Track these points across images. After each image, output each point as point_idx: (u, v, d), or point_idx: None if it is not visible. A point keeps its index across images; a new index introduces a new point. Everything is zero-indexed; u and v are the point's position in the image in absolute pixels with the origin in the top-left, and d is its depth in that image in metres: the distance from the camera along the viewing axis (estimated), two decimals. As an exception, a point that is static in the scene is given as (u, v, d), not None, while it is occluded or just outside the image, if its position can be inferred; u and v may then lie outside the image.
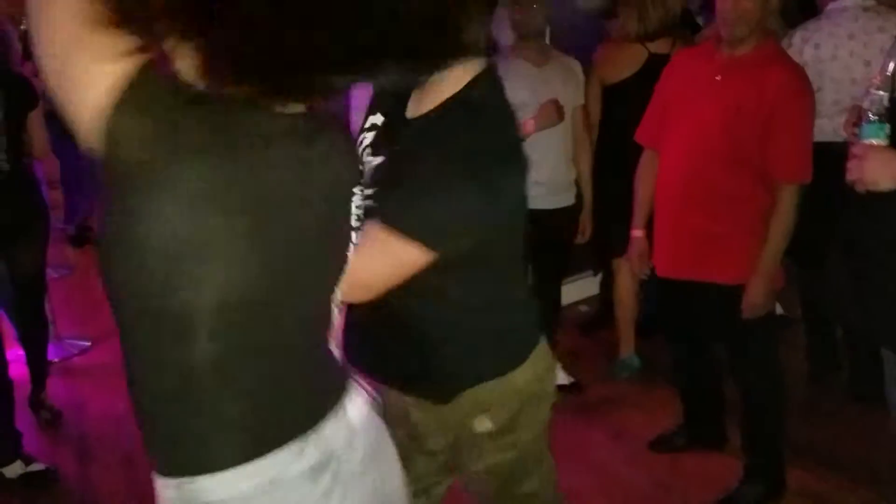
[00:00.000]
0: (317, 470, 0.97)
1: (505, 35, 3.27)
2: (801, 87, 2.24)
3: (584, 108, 3.19)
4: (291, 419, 0.97)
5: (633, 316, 3.43)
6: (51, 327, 3.97)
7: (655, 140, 2.52)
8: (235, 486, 0.94)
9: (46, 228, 3.28)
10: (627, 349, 3.49)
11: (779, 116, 2.18)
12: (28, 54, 3.61)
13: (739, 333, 2.44)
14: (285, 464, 0.95)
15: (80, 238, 6.05)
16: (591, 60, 3.21)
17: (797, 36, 2.95)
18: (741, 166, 2.27)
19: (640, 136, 2.63)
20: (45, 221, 3.26)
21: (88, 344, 4.13)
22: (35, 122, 3.02)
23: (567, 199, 3.12)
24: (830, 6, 2.94)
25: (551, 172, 3.02)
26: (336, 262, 1.02)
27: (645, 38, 3.00)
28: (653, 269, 2.61)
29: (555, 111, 2.84)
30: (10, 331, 3.27)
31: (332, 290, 1.03)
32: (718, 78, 2.28)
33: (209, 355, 0.89)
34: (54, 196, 6.59)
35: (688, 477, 2.76)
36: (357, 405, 1.06)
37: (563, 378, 3.40)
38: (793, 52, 2.83)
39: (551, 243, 3.17)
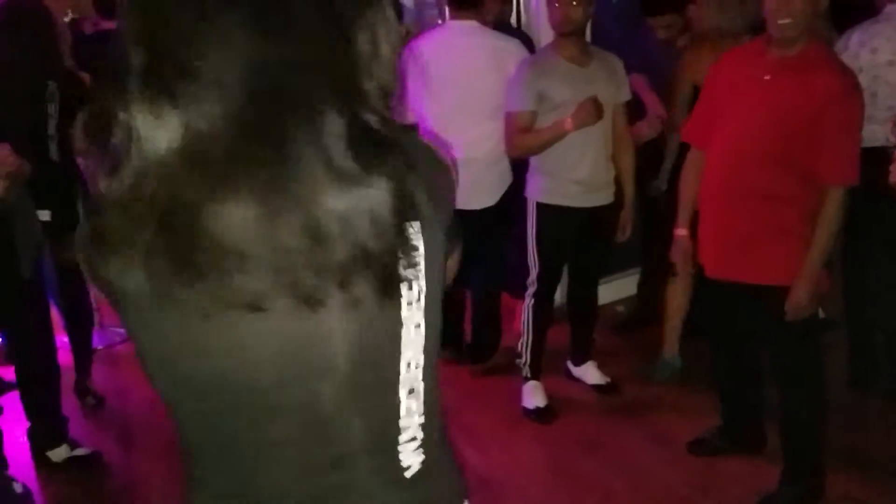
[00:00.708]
0: None
1: (547, 33, 3.29)
2: (850, 90, 2.20)
3: (673, 108, 3.18)
4: None
5: (681, 315, 3.39)
6: (95, 315, 4.08)
7: (702, 139, 2.50)
8: None
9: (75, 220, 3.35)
10: (671, 349, 3.45)
11: (827, 119, 2.16)
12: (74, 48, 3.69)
13: (782, 336, 2.42)
14: None
15: None
16: (678, 62, 3.18)
17: (854, 39, 2.90)
18: (787, 167, 2.24)
19: (686, 134, 2.61)
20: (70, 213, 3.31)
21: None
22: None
23: (606, 198, 3.11)
24: (889, 8, 2.88)
25: (590, 171, 3.01)
26: None
27: (736, 36, 2.93)
28: (697, 269, 2.60)
29: (593, 109, 2.84)
30: (58, 319, 3.35)
31: None
32: (767, 78, 2.26)
33: None
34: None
35: (725, 479, 2.74)
36: None
37: (598, 378, 3.40)
38: (848, 56, 2.79)
39: (589, 241, 3.18)
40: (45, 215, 2.75)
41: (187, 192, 0.73)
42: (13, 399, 3.17)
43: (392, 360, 0.86)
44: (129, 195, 0.74)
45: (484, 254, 3.36)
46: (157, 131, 0.73)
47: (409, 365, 0.87)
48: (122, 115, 0.74)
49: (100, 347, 4.00)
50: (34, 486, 2.88)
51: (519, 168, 3.25)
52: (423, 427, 0.90)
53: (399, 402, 0.88)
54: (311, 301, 0.77)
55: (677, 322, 3.42)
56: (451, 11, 3.22)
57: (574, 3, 2.88)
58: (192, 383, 0.84)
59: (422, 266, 0.84)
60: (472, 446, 2.94)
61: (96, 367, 3.69)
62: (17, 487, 2.73)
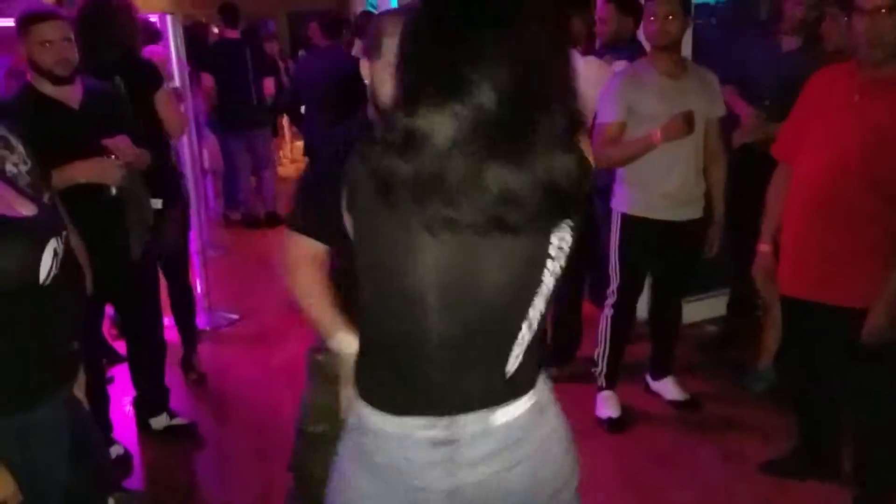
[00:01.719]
0: (436, 444, 1.26)
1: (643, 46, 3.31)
2: None
3: None
4: (446, 399, 1.26)
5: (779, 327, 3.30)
6: (204, 300, 4.39)
7: (791, 156, 2.47)
8: (386, 424, 1.28)
9: (184, 209, 3.58)
10: (767, 360, 3.37)
11: None
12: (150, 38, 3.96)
13: (860, 360, 2.35)
14: (424, 428, 1.26)
15: (254, 222, 6.51)
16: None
17: None
18: (874, 188, 2.19)
19: (775, 150, 2.58)
20: (182, 202, 3.55)
21: (237, 317, 4.51)
22: (161, 103, 3.20)
23: (694, 213, 3.08)
24: None
25: (679, 184, 3.00)
26: None
27: None
28: None
29: (684, 123, 2.84)
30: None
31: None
32: (856, 98, 2.22)
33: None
34: (217, 185, 7.19)
35: (793, 502, 2.68)
36: (507, 413, 1.28)
37: (677, 393, 3.37)
38: None
39: (674, 256, 3.17)
40: (157, 203, 2.98)
41: (458, 167, 1.08)
42: (122, 371, 3.48)
43: (527, 300, 1.21)
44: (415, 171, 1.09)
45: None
46: (440, 127, 1.07)
47: (534, 306, 1.23)
48: (405, 121, 1.09)
49: (207, 329, 4.30)
50: (134, 449, 3.15)
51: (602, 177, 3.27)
52: (527, 349, 1.26)
53: (520, 330, 1.24)
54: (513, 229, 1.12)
55: (773, 336, 3.32)
56: None
57: (670, 17, 2.89)
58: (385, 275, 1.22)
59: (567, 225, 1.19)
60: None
61: (202, 346, 3.98)
62: (118, 449, 3.01)
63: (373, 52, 1.62)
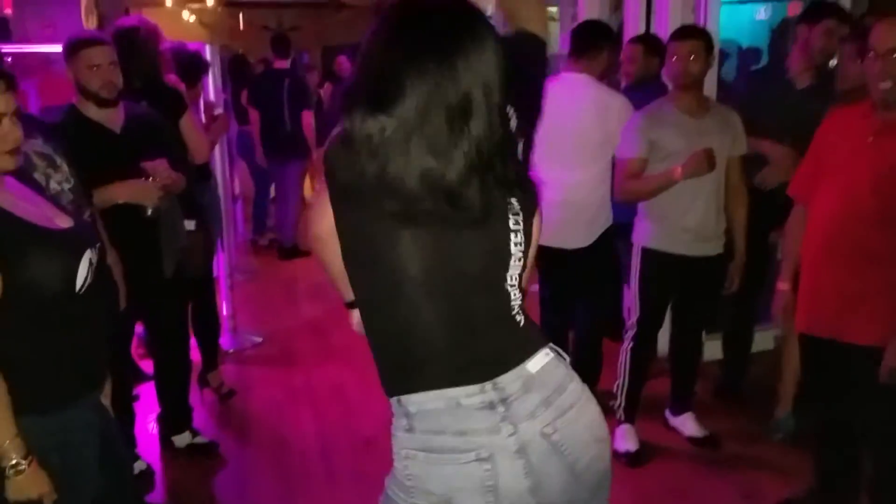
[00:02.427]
0: (490, 406, 1.33)
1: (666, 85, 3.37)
2: None
3: None
4: (479, 365, 1.34)
5: (796, 374, 3.28)
6: (230, 321, 4.47)
7: (807, 195, 2.51)
8: (432, 402, 1.33)
9: (211, 234, 3.66)
10: (785, 408, 3.36)
11: None
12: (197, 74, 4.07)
13: (877, 399, 2.35)
14: (470, 395, 1.33)
15: (286, 252, 6.55)
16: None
17: None
18: (889, 228, 2.22)
19: (792, 190, 2.62)
20: (209, 228, 3.60)
21: (261, 339, 4.58)
22: (186, 127, 3.30)
23: (714, 248, 3.12)
24: None
25: (699, 220, 3.04)
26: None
27: None
28: None
29: (705, 160, 2.88)
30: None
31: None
32: (870, 140, 2.26)
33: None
34: (247, 210, 7.32)
35: (813, 544, 2.67)
36: (537, 363, 1.39)
37: (696, 430, 3.37)
38: None
39: (695, 291, 3.19)
40: (190, 225, 3.07)
41: (399, 158, 1.22)
42: (147, 389, 3.55)
43: (503, 268, 1.37)
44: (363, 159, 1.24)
45: (586, 293, 3.45)
46: (382, 125, 1.22)
47: (511, 272, 1.38)
48: (363, 123, 1.24)
49: (231, 350, 4.38)
50: (157, 466, 3.21)
51: (623, 212, 3.33)
52: (521, 305, 1.41)
53: (508, 291, 1.38)
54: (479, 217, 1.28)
55: (791, 380, 3.33)
56: (568, 62, 3.40)
57: (692, 57, 2.96)
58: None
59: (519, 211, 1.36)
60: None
61: (226, 366, 4.05)
62: (142, 465, 3.07)
63: None
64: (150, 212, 2.76)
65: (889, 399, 2.32)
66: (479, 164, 1.25)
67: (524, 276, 1.43)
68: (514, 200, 1.35)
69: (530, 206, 1.39)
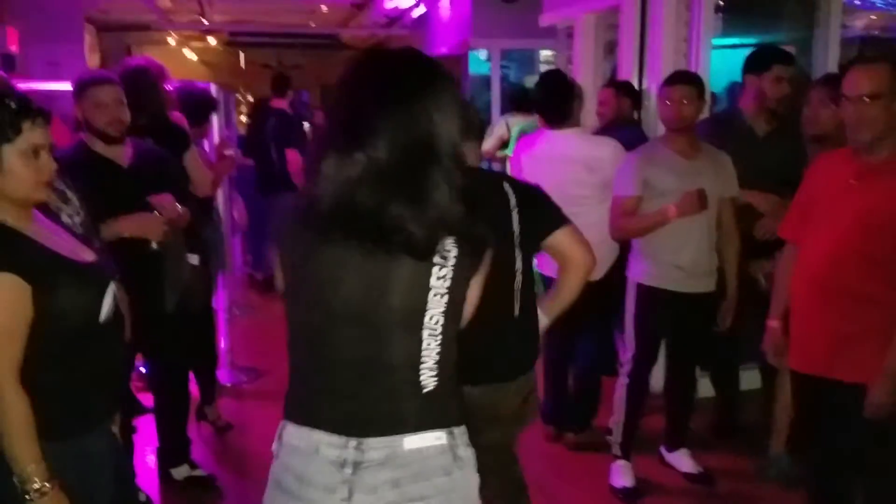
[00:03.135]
0: (341, 465, 1.36)
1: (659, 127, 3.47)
2: None
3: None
4: (354, 419, 1.37)
5: (788, 412, 3.30)
6: (227, 356, 4.50)
7: (796, 235, 2.58)
8: (296, 439, 1.44)
9: (217, 263, 3.72)
10: (779, 446, 3.38)
11: None
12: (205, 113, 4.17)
13: (869, 436, 2.40)
14: (330, 445, 1.38)
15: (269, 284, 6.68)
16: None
17: None
18: (874, 269, 2.28)
19: (782, 231, 2.69)
20: (209, 262, 3.61)
21: (259, 373, 4.60)
22: (190, 162, 3.40)
23: (706, 286, 3.18)
24: None
25: (691, 258, 3.12)
26: None
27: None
28: None
29: (697, 200, 2.96)
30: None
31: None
32: (853, 182, 2.33)
33: None
34: (245, 245, 7.36)
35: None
36: (416, 442, 1.37)
37: (691, 466, 3.40)
38: None
39: (688, 327, 3.25)
40: (194, 259, 3.12)
41: (366, 197, 1.30)
42: (145, 422, 3.56)
43: (421, 311, 1.35)
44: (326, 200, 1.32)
45: (589, 328, 3.50)
46: (347, 168, 1.31)
47: (431, 318, 1.36)
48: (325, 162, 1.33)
49: (228, 384, 4.40)
50: (156, 498, 3.21)
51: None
52: (438, 363, 1.38)
53: (422, 339, 1.36)
54: (409, 250, 1.32)
55: (784, 418, 3.36)
56: (542, 122, 3.53)
57: (685, 101, 3.06)
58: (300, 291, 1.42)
59: (452, 257, 1.35)
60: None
61: (224, 400, 4.07)
62: (141, 497, 3.07)
63: None
64: (155, 245, 2.82)
65: (880, 436, 2.37)
66: (420, 199, 1.31)
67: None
68: (449, 241, 1.35)
69: (473, 250, 1.40)
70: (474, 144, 2.17)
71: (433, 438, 1.37)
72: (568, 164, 3.38)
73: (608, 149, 3.43)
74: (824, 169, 2.51)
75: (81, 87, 2.82)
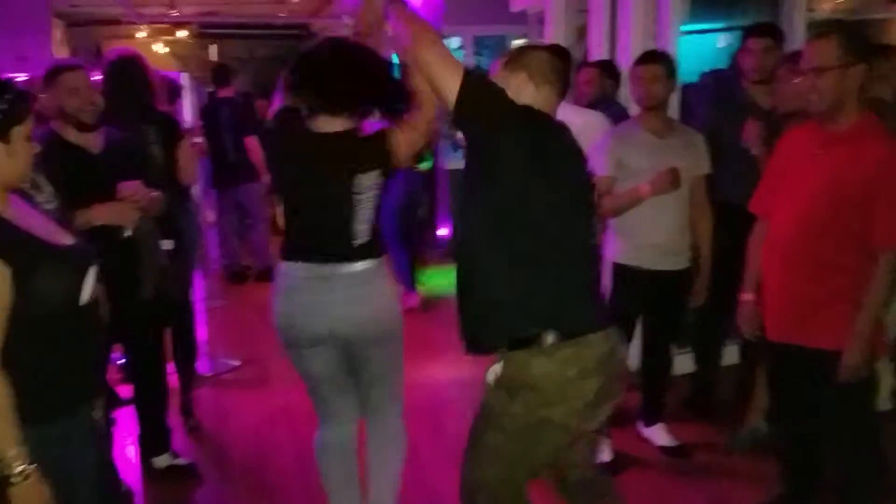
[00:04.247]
0: (317, 279, 2.46)
1: (632, 107, 3.51)
2: None
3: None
4: (317, 257, 2.47)
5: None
6: (207, 346, 4.49)
7: (767, 210, 2.63)
8: (288, 267, 2.55)
9: (195, 253, 3.74)
10: (758, 416, 3.43)
11: (877, 187, 2.28)
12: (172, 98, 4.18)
13: (841, 401, 2.46)
14: (301, 270, 2.50)
15: (237, 276, 6.70)
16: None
17: None
18: (841, 236, 2.35)
19: (752, 206, 2.74)
20: (194, 247, 3.73)
21: (238, 363, 4.60)
22: (183, 152, 3.45)
23: (680, 263, 3.23)
24: None
25: (665, 236, 3.16)
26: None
27: None
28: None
29: (670, 178, 3.01)
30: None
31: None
32: (818, 152, 2.40)
33: None
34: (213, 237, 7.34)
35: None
36: (356, 266, 2.46)
37: (667, 440, 3.45)
38: None
39: (662, 304, 3.30)
40: (168, 244, 3.12)
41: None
42: (124, 414, 3.56)
43: (350, 209, 2.40)
44: None
45: None
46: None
47: (357, 211, 2.40)
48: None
49: (208, 374, 4.40)
50: (137, 488, 3.21)
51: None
52: (366, 237, 2.44)
53: (353, 224, 2.41)
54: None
55: (763, 389, 3.41)
56: None
57: (655, 81, 3.10)
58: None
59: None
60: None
61: (204, 391, 4.08)
62: (122, 488, 3.06)
63: None
64: (128, 233, 2.80)
65: (852, 401, 2.43)
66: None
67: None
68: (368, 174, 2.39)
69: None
70: None
71: (366, 264, 2.43)
72: None
73: (595, 117, 3.48)
74: (791, 142, 2.56)
75: (54, 74, 2.81)
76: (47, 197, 2.39)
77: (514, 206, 1.93)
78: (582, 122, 3.39)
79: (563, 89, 2.24)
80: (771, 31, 3.57)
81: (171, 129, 3.43)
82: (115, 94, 3.17)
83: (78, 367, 1.73)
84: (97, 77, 3.14)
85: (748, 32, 3.60)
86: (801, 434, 2.73)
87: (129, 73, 3.29)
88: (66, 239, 1.76)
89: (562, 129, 2.08)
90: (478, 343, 2.07)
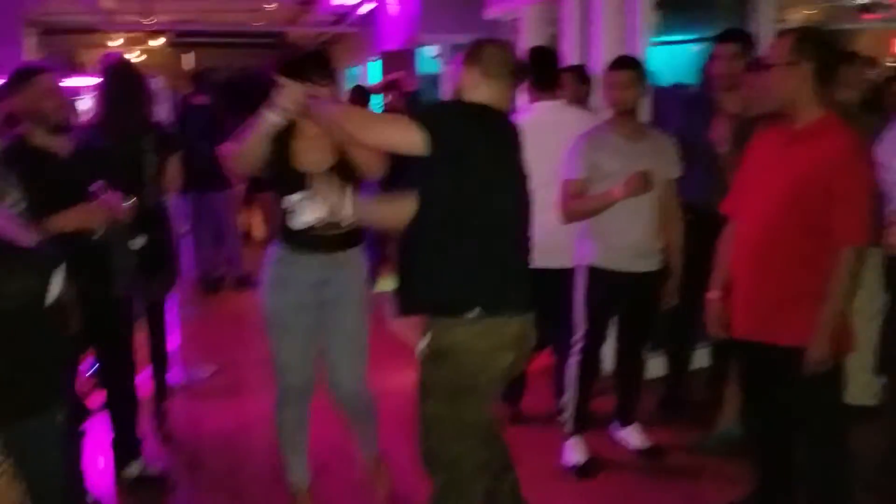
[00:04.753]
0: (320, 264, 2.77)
1: (604, 111, 3.54)
2: (858, 153, 2.37)
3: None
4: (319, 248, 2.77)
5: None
6: (180, 354, 4.45)
7: (737, 211, 2.66)
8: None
9: (176, 259, 3.73)
10: (727, 419, 3.46)
11: (835, 182, 2.32)
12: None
13: (810, 397, 2.49)
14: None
15: (211, 286, 6.64)
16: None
17: None
18: (806, 233, 2.39)
19: (724, 207, 2.77)
20: (174, 253, 3.72)
21: (211, 372, 4.56)
22: (173, 165, 3.47)
23: (650, 265, 3.26)
24: None
25: (637, 238, 3.19)
26: None
27: None
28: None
29: (642, 181, 3.03)
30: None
31: None
32: (780, 152, 2.46)
33: None
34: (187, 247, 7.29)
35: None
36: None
37: (641, 441, 3.47)
38: None
39: (636, 306, 3.33)
40: (137, 243, 3.08)
41: None
42: (92, 425, 3.50)
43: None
44: None
45: (563, 314, 3.44)
46: None
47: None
48: None
49: (181, 382, 4.35)
50: (106, 498, 3.16)
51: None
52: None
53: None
54: None
55: (735, 391, 3.42)
56: (534, 93, 3.57)
57: (626, 87, 3.14)
58: None
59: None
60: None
61: (177, 399, 4.04)
62: (89, 499, 3.02)
63: None
64: (97, 235, 2.78)
65: (820, 397, 2.47)
66: None
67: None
68: None
69: None
70: None
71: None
72: (561, 128, 3.38)
73: (595, 117, 3.56)
74: (758, 144, 2.62)
75: (27, 76, 2.80)
76: (13, 201, 2.37)
77: (446, 196, 2.21)
78: (574, 121, 3.47)
79: (516, 81, 2.43)
80: (738, 37, 3.61)
81: (167, 140, 3.48)
82: (116, 100, 3.22)
83: (43, 368, 1.71)
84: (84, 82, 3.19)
85: (716, 39, 3.65)
86: (771, 432, 2.75)
87: (129, 79, 3.30)
88: (32, 239, 1.74)
89: (500, 126, 2.35)
90: (407, 305, 2.33)
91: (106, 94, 3.20)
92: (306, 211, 2.64)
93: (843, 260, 2.34)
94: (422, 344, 2.27)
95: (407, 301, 2.32)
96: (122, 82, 3.19)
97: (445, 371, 2.23)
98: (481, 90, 2.29)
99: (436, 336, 2.24)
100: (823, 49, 2.40)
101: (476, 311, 2.20)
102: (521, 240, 2.37)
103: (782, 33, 2.47)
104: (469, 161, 2.19)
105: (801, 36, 2.39)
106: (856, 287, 2.38)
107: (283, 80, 2.47)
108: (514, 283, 2.31)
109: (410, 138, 2.15)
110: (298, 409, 2.92)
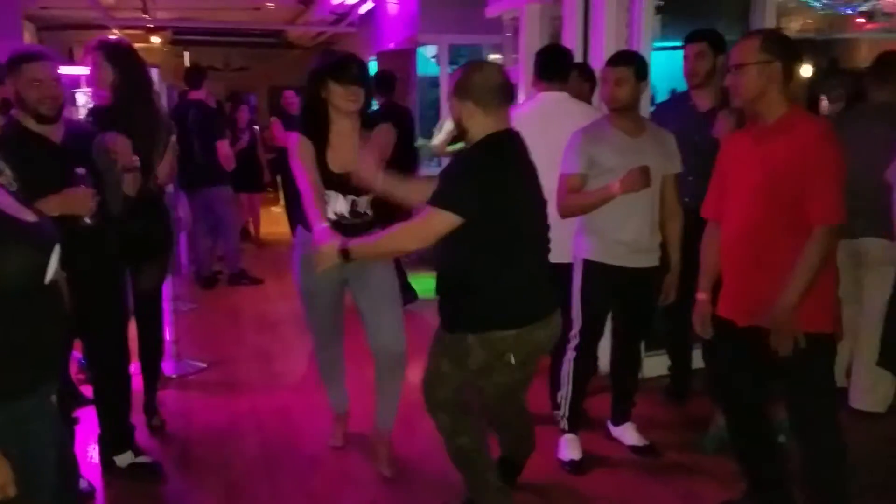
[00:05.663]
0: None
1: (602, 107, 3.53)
2: (827, 137, 2.39)
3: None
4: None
5: None
6: (173, 347, 4.43)
7: (717, 213, 2.68)
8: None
9: (170, 250, 3.71)
10: (721, 419, 3.43)
11: (811, 165, 2.34)
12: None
13: (798, 387, 2.50)
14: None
15: (208, 280, 6.65)
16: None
17: None
18: (782, 224, 2.41)
19: (703, 211, 2.77)
20: (170, 244, 3.71)
21: (204, 366, 4.54)
22: (169, 155, 3.48)
23: (649, 261, 3.24)
24: None
25: (635, 234, 3.17)
26: None
27: None
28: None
29: (640, 177, 3.01)
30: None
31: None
32: (754, 147, 2.49)
33: None
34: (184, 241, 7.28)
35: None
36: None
37: (636, 439, 3.45)
38: None
39: (632, 302, 3.31)
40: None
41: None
42: (87, 413, 3.48)
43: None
44: None
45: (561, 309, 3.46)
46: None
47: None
48: None
49: (174, 376, 4.33)
50: (98, 485, 3.14)
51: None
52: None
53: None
54: None
55: None
56: (540, 84, 3.59)
57: (622, 82, 3.13)
58: None
59: None
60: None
61: (169, 391, 4.01)
62: (83, 483, 2.99)
63: None
64: (87, 220, 2.74)
65: (809, 383, 2.47)
66: None
67: None
68: None
69: None
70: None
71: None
72: (566, 119, 3.39)
73: (593, 112, 3.56)
74: (731, 145, 2.67)
75: (16, 63, 2.76)
76: (8, 181, 2.34)
77: (490, 226, 2.43)
78: (578, 112, 3.50)
79: (509, 100, 2.57)
80: (705, 37, 3.62)
81: (167, 134, 3.47)
82: (130, 84, 3.27)
83: (39, 346, 1.68)
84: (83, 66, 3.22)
85: (684, 39, 3.66)
86: (756, 429, 2.73)
87: (129, 59, 3.32)
88: (30, 216, 1.72)
89: (510, 148, 2.53)
90: (462, 324, 2.54)
91: (120, 78, 3.20)
92: (336, 204, 3.02)
93: (815, 237, 2.36)
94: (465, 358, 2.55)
95: (462, 320, 2.53)
96: (134, 68, 3.17)
97: (482, 360, 2.54)
98: (478, 119, 2.48)
99: (485, 345, 2.51)
100: (789, 48, 2.48)
101: (528, 323, 2.51)
102: (546, 244, 2.66)
103: (746, 35, 2.53)
104: (501, 199, 2.42)
105: (768, 37, 2.49)
106: (824, 265, 2.39)
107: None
108: (548, 289, 2.63)
109: (448, 225, 2.39)
110: (330, 352, 3.43)
